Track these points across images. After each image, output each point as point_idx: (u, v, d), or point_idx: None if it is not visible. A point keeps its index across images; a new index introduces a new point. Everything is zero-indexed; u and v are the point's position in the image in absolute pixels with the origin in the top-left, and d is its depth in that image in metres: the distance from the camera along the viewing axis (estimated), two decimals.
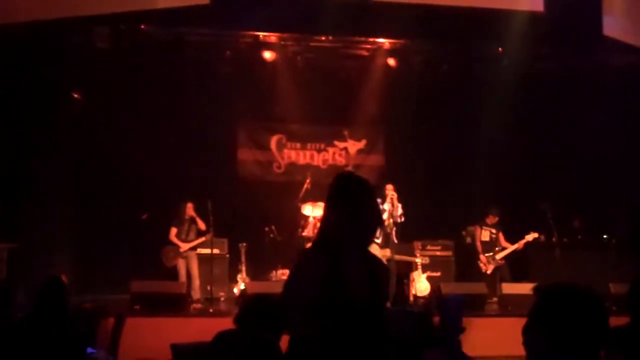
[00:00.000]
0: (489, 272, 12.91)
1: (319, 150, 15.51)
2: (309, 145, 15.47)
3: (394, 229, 11.96)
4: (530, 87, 14.04)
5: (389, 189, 12.06)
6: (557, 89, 14.07)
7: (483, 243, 13.09)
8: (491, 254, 12.96)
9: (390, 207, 11.92)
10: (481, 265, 13.01)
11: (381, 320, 3.29)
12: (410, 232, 12.82)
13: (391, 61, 14.49)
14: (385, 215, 11.73)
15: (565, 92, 13.90)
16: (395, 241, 12.00)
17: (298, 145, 15.43)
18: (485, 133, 14.27)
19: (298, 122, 15.18)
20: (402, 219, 12.04)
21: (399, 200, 12.04)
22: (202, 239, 12.56)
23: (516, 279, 12.66)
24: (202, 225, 12.52)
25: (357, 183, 3.52)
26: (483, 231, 13.12)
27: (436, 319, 7.47)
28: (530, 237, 12.61)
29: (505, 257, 12.93)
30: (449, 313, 3.52)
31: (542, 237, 12.69)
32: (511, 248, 12.86)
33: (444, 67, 14.53)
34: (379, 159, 15.59)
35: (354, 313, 3.23)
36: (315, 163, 15.41)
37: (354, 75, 14.69)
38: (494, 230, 13.08)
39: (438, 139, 14.71)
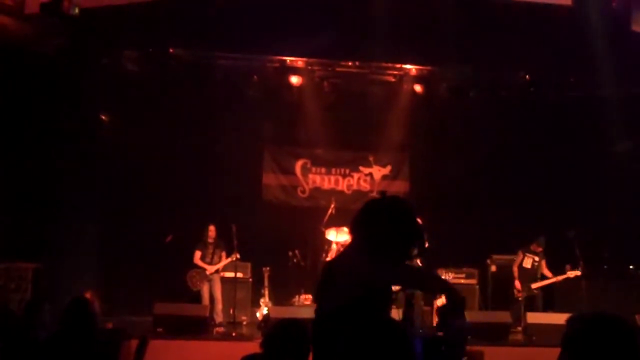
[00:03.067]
0: (520, 298, 12.81)
1: (344, 176, 15.51)
2: (333, 170, 15.49)
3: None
4: (557, 113, 14.12)
5: None
6: (584, 116, 14.04)
7: (522, 269, 12.96)
8: (527, 281, 12.88)
9: None
10: (515, 290, 12.91)
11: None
12: (434, 259, 12.43)
13: (417, 87, 14.53)
14: None
15: (594, 118, 13.87)
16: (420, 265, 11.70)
17: (323, 170, 15.46)
18: (513, 160, 14.37)
19: (323, 147, 15.25)
20: (427, 245, 11.80)
21: (424, 228, 11.82)
22: (228, 259, 12.64)
23: (542, 308, 12.64)
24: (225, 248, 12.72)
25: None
26: (526, 258, 12.98)
27: None
28: (572, 274, 12.54)
29: (540, 288, 12.89)
30: (451, 338, 3.56)
31: (580, 273, 12.55)
32: (551, 280, 12.79)
33: (470, 94, 14.55)
34: (404, 185, 15.59)
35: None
36: (339, 188, 15.41)
37: (380, 101, 14.69)
38: (537, 258, 12.94)
39: (463, 166, 14.50)
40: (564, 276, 12.58)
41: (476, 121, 14.41)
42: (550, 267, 12.96)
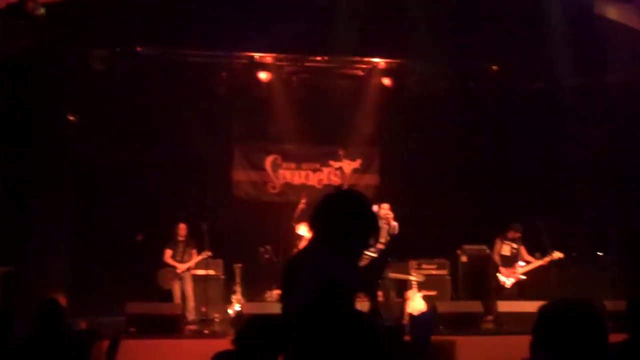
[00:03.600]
0: (507, 285, 12.83)
1: (314, 170, 15.62)
2: (304, 165, 15.60)
3: None
4: (525, 104, 14.34)
5: (385, 208, 12.10)
6: (551, 104, 14.28)
7: (502, 257, 12.98)
8: (512, 267, 12.86)
9: (387, 227, 11.99)
10: (500, 278, 12.90)
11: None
12: (406, 250, 12.89)
13: (386, 81, 14.67)
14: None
15: (560, 107, 14.09)
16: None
17: (293, 165, 15.55)
18: (482, 152, 14.53)
19: (293, 143, 15.31)
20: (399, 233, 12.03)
21: (395, 219, 12.10)
22: (199, 257, 12.61)
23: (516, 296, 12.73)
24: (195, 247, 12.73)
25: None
26: (504, 245, 13.00)
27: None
28: (556, 255, 12.55)
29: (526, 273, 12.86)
30: (417, 329, 3.63)
31: (563, 255, 12.63)
32: (536, 263, 12.77)
33: (439, 86, 14.65)
34: (374, 178, 15.69)
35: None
36: (310, 183, 15.52)
37: (349, 95, 14.82)
38: (515, 245, 12.94)
39: (433, 158, 14.79)
40: (549, 258, 12.59)
41: (446, 113, 14.53)
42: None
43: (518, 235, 12.95)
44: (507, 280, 12.85)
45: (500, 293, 12.81)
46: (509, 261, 12.92)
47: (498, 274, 12.93)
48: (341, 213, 3.57)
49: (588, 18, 12.30)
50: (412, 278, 12.62)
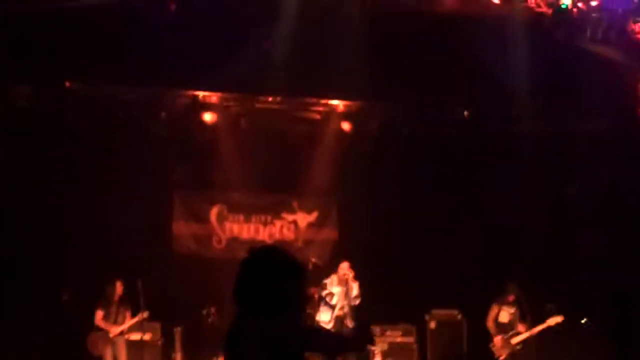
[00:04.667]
0: (502, 357, 13.08)
1: (265, 224, 16.14)
2: (253, 217, 16.10)
3: (349, 313, 12.62)
4: (500, 152, 15.09)
5: (343, 268, 12.67)
6: (527, 151, 15.03)
7: (500, 325, 13.19)
8: (507, 336, 13.13)
9: (344, 288, 12.57)
10: (494, 349, 13.12)
11: None
12: (367, 316, 13.51)
13: (345, 125, 15.43)
14: (335, 299, 12.42)
15: (536, 154, 14.90)
16: (350, 326, 12.64)
17: (241, 217, 16.05)
18: (450, 203, 15.22)
19: (241, 191, 15.78)
20: (359, 301, 12.67)
21: (355, 280, 12.67)
22: (134, 319, 12.99)
23: None
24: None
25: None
26: (502, 311, 13.23)
27: None
28: (553, 321, 12.78)
29: (521, 342, 13.08)
30: None
31: (561, 319, 12.89)
32: (533, 330, 12.96)
33: (403, 132, 15.55)
34: (332, 233, 16.30)
35: None
36: (260, 237, 15.97)
37: (304, 140, 15.47)
38: (512, 310, 13.16)
39: (397, 210, 15.34)
40: (545, 325, 12.85)
41: (411, 160, 15.29)
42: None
43: (513, 297, 13.17)
44: (503, 351, 13.11)
45: None
46: (506, 329, 13.20)
47: (491, 345, 13.21)
48: (262, 274, 3.87)
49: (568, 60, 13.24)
50: (373, 348, 13.09)
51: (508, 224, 15.14)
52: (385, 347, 13.52)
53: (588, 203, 14.79)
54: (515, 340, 13.07)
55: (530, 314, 13.03)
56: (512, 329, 13.15)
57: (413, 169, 15.37)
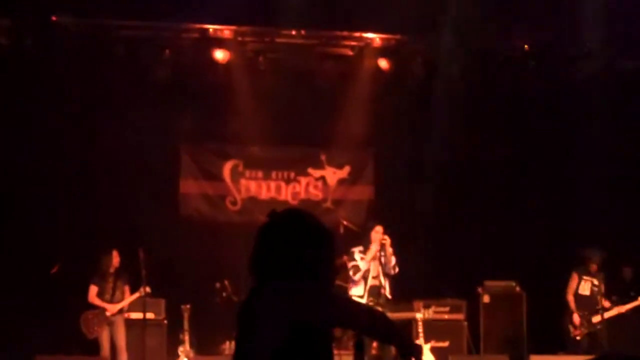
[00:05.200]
0: (579, 337, 12.97)
1: (288, 181, 15.89)
2: (273, 174, 15.85)
3: (387, 283, 12.15)
4: (567, 94, 14.72)
5: (378, 231, 12.19)
6: (602, 97, 14.64)
7: (580, 298, 13.06)
8: (586, 313, 13.00)
9: (380, 255, 12.13)
10: (571, 328, 13.03)
11: None
12: (408, 289, 13.13)
13: (383, 63, 14.88)
14: (370, 266, 12.00)
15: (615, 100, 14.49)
16: (389, 297, 12.19)
17: (260, 174, 15.82)
18: (510, 155, 14.92)
19: (259, 144, 15.57)
20: (397, 271, 12.20)
21: (393, 246, 12.21)
22: (135, 295, 12.85)
23: (547, 349, 13.06)
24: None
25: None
26: (583, 282, 13.09)
27: None
28: None
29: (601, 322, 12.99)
30: None
31: None
32: (618, 309, 12.95)
33: (453, 70, 14.84)
34: (367, 190, 15.99)
35: None
36: (282, 198, 15.76)
37: (333, 82, 15.06)
38: (596, 282, 13.02)
39: (445, 163, 15.07)
40: (634, 304, 12.88)
41: (462, 105, 14.77)
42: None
43: (595, 267, 13.09)
44: (581, 330, 12.97)
45: (566, 348, 13.11)
46: (588, 303, 13.04)
47: (570, 324, 13.07)
48: (283, 242, 3.79)
49: None
50: (417, 315, 12.83)
51: (579, 177, 14.91)
52: (430, 314, 13.19)
53: None
54: (597, 318, 12.90)
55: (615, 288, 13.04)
56: (595, 303, 12.92)
57: (465, 116, 14.83)
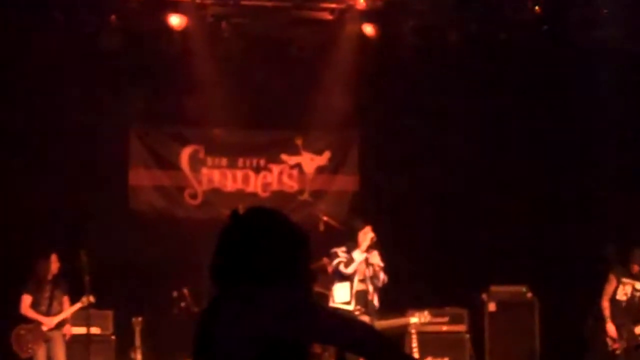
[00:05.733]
0: (618, 351, 12.73)
1: (257, 170, 15.68)
2: (240, 161, 15.62)
3: (375, 289, 12.15)
4: (585, 64, 14.57)
5: (367, 233, 12.06)
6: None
7: (616, 303, 12.77)
8: (626, 322, 12.74)
9: (368, 256, 12.04)
10: (609, 340, 12.73)
11: None
12: (401, 296, 12.93)
13: (369, 28, 14.61)
14: (352, 268, 11.90)
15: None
16: (377, 305, 12.18)
17: (224, 161, 15.58)
18: (516, 137, 14.93)
19: (224, 127, 15.38)
20: (386, 281, 12.20)
21: (381, 247, 12.16)
22: (76, 306, 12.64)
23: None
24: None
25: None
26: (622, 285, 12.81)
27: None
28: None
29: None
30: None
31: None
32: None
33: (450, 37, 14.68)
34: (350, 180, 15.80)
35: None
36: (250, 189, 15.56)
37: (310, 52, 14.86)
38: (638, 285, 12.79)
39: (442, 149, 14.99)
40: None
41: (461, 77, 14.73)
42: None
43: (638, 268, 12.83)
44: (620, 342, 12.68)
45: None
46: (627, 311, 12.77)
47: (607, 336, 12.77)
48: (248, 245, 3.72)
49: None
50: (411, 320, 12.44)
51: (595, 167, 14.75)
52: (426, 318, 12.54)
53: None
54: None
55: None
56: (636, 311, 12.71)
57: (466, 91, 14.80)
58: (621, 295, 12.74)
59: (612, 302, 12.74)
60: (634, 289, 12.71)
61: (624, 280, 12.74)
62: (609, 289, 12.74)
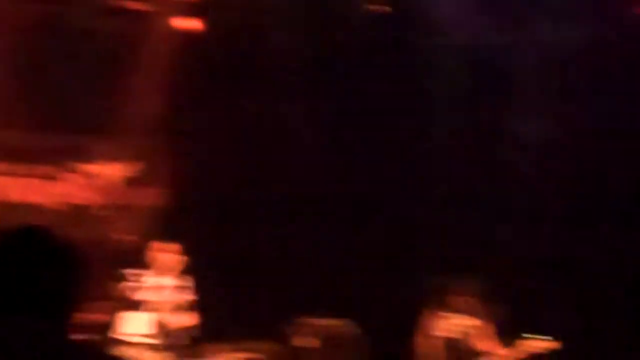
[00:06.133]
0: None
1: (46, 179, 15.35)
2: (25, 168, 15.30)
3: (178, 319, 12.10)
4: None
5: (169, 255, 12.08)
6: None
7: (436, 339, 12.90)
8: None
9: (169, 281, 12.13)
10: None
11: None
12: (207, 329, 12.73)
13: (184, 21, 14.86)
14: (148, 294, 12.00)
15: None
16: (184, 338, 12.11)
17: (5, 168, 15.19)
18: (356, 149, 15.16)
19: (5, 128, 14.86)
20: (193, 304, 12.21)
21: (189, 269, 12.24)
22: None
23: None
24: None
25: None
26: (446, 320, 12.79)
27: None
28: (533, 346, 12.51)
29: None
30: None
31: None
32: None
33: (282, 33, 14.90)
34: (155, 194, 15.61)
35: None
36: (37, 200, 15.18)
37: (115, 46, 14.87)
38: (465, 321, 12.76)
39: (267, 162, 15.08)
40: (526, 349, 12.55)
41: (287, 82, 14.83)
42: None
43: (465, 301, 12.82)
44: None
45: None
46: (449, 348, 12.75)
47: None
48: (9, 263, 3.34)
49: None
50: None
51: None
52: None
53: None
54: None
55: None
56: (466, 348, 12.59)
57: (298, 92, 15.06)
58: (447, 331, 12.72)
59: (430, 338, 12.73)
60: (461, 326, 12.63)
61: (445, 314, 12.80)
62: (428, 324, 12.74)
